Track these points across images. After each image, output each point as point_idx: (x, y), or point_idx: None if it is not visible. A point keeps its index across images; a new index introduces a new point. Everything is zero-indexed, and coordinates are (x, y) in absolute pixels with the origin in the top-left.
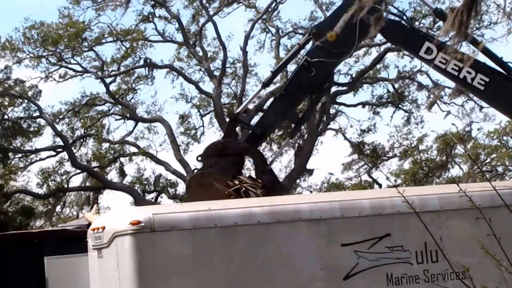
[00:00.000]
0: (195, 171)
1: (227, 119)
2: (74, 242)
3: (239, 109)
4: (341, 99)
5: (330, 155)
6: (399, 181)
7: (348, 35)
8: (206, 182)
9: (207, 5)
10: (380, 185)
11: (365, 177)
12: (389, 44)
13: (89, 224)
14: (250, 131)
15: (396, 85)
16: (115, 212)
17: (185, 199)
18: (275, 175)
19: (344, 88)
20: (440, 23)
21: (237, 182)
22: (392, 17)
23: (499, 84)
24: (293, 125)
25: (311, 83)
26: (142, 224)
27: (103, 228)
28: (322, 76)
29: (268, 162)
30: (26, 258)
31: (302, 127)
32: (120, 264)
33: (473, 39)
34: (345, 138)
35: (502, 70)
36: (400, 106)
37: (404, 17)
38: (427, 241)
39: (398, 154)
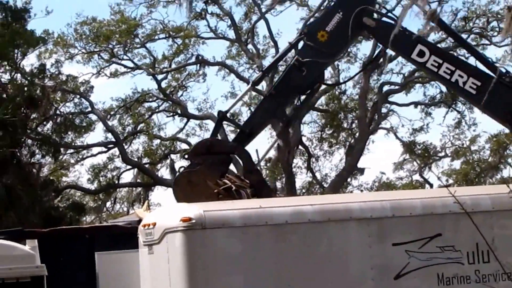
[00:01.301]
0: (182, 169)
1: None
2: (125, 238)
3: (228, 108)
4: (393, 98)
5: (381, 154)
6: (450, 181)
7: (339, 35)
8: (194, 179)
9: (259, 2)
10: (431, 185)
11: (416, 176)
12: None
13: (139, 221)
14: (238, 130)
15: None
16: (166, 209)
17: (174, 196)
18: (261, 175)
19: (397, 87)
20: (493, 23)
21: (226, 181)
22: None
23: (491, 88)
24: (282, 125)
25: (302, 83)
26: (193, 221)
27: (154, 224)
28: (313, 76)
29: (256, 162)
30: (77, 253)
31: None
32: (171, 261)
33: (467, 43)
34: (397, 137)
35: (494, 74)
36: (452, 106)
37: (395, 18)
38: (478, 242)
39: (449, 154)
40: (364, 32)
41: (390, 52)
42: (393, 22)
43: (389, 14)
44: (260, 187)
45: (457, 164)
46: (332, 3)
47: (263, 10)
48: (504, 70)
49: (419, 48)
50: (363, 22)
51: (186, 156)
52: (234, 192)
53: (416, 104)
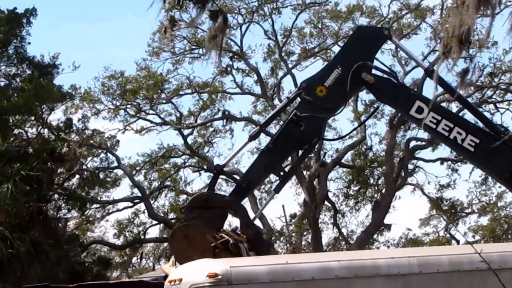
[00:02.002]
0: (176, 223)
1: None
2: None
3: (224, 162)
4: (420, 154)
5: (408, 210)
6: (477, 237)
7: (338, 90)
8: (191, 233)
9: (286, 58)
10: (458, 241)
11: (443, 232)
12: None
13: (166, 276)
14: (235, 185)
15: None
16: (192, 264)
17: (170, 250)
18: (258, 229)
19: (423, 143)
20: None
21: (223, 235)
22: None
23: (489, 146)
24: (279, 180)
25: (300, 138)
26: (220, 277)
27: (180, 280)
28: (311, 131)
29: (252, 217)
30: None
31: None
32: None
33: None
34: (423, 193)
35: (492, 132)
36: None
37: (394, 74)
38: None
39: (476, 211)
40: (362, 87)
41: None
42: (392, 78)
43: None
44: (256, 241)
45: (484, 220)
46: (332, 59)
47: (290, 65)
48: (503, 129)
49: (417, 104)
50: (362, 78)
51: (182, 211)
52: (232, 246)
53: (442, 160)
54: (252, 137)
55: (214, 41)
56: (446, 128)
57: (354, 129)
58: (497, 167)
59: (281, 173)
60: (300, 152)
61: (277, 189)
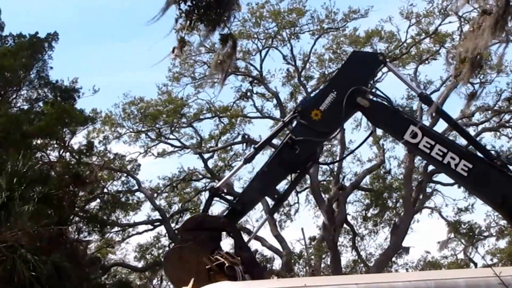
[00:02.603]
0: (172, 244)
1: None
2: None
3: (219, 184)
4: (438, 177)
5: (426, 233)
6: (495, 260)
7: (333, 114)
8: (185, 255)
9: (304, 82)
10: (475, 264)
11: (461, 255)
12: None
13: None
14: (230, 207)
15: None
16: (211, 287)
17: (164, 272)
18: (252, 252)
19: None
20: None
21: (218, 257)
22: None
23: (482, 171)
24: (273, 203)
25: (294, 161)
26: None
27: None
28: (306, 154)
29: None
30: None
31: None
32: None
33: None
34: (442, 216)
35: (485, 157)
36: None
37: (387, 99)
38: None
39: (494, 234)
40: (357, 111)
41: None
42: (386, 103)
43: (382, 94)
44: (251, 264)
45: (502, 243)
46: (327, 83)
47: (309, 90)
48: (495, 154)
49: (411, 129)
50: (357, 102)
51: (176, 232)
52: (227, 269)
53: None
54: (247, 160)
55: (221, 66)
56: (440, 153)
57: (348, 154)
58: (490, 192)
59: (276, 196)
60: (295, 175)
61: (272, 212)
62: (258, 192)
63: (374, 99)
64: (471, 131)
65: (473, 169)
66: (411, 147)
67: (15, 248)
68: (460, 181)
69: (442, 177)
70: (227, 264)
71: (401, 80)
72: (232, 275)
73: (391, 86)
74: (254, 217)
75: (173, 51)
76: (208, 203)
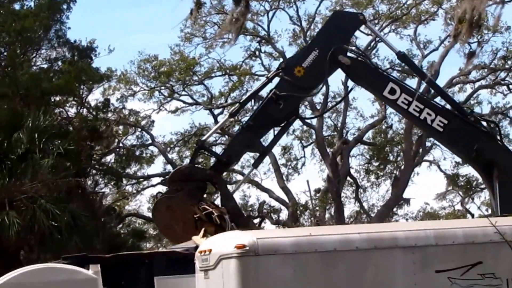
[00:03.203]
0: (159, 194)
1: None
2: (183, 263)
3: (205, 137)
4: None
5: (426, 185)
6: (490, 211)
7: (315, 71)
8: (173, 205)
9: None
10: (472, 215)
11: (458, 207)
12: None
13: (196, 247)
14: (216, 159)
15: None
16: (221, 236)
17: (153, 220)
18: (236, 202)
19: None
20: None
21: (206, 207)
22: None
23: (456, 126)
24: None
25: (278, 115)
26: (247, 248)
27: (210, 251)
28: (289, 109)
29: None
30: (137, 277)
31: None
32: (225, 285)
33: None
34: (440, 170)
35: (459, 113)
36: None
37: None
38: None
39: None
40: (338, 69)
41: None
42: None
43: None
44: (236, 213)
45: None
46: (310, 42)
47: None
48: (469, 111)
49: (390, 86)
50: (338, 60)
51: (164, 182)
52: (216, 218)
53: None
54: (232, 114)
55: (235, 24)
56: (417, 109)
57: (329, 109)
58: (464, 146)
59: (260, 149)
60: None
61: (256, 164)
62: (243, 144)
63: (355, 57)
64: (468, 88)
65: (448, 125)
66: (389, 103)
67: (35, 199)
68: (436, 136)
69: None
70: (216, 214)
71: (381, 39)
72: (221, 224)
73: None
74: (262, 170)
75: (191, 13)
76: (195, 155)
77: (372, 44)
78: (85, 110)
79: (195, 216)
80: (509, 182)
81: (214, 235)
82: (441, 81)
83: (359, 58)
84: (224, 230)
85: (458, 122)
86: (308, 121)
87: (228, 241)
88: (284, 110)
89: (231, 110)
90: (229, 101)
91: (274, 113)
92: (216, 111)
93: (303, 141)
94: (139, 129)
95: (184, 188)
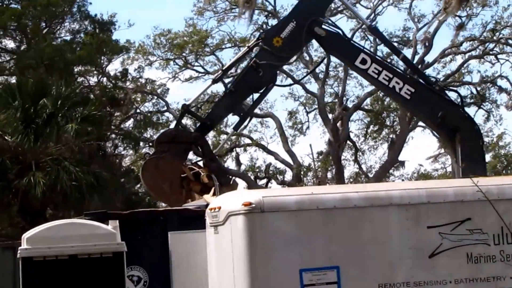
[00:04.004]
0: (146, 155)
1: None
2: (195, 220)
3: (190, 101)
4: None
5: (420, 148)
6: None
7: (292, 41)
8: (161, 165)
9: None
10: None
11: (450, 168)
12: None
13: (207, 205)
14: (200, 122)
15: (479, 88)
16: (230, 195)
17: (142, 180)
18: (220, 163)
19: None
20: None
21: (193, 167)
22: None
23: (423, 94)
24: (239, 118)
25: (258, 82)
26: (253, 205)
27: (219, 208)
28: (268, 77)
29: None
30: (152, 233)
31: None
32: (234, 240)
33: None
34: (433, 133)
35: (425, 82)
36: (481, 106)
37: (341, 30)
38: (503, 225)
39: None
40: (313, 39)
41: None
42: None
43: (336, 24)
44: (219, 173)
45: (486, 157)
46: (288, 13)
47: None
48: (434, 80)
49: (362, 56)
50: (314, 32)
51: (151, 144)
52: (205, 178)
53: None
54: (215, 80)
55: (249, 4)
56: (386, 78)
57: (307, 74)
58: (430, 112)
59: (241, 114)
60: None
61: (236, 127)
62: (226, 109)
63: (329, 28)
64: (459, 58)
65: (415, 93)
66: (361, 72)
67: (59, 160)
68: (404, 103)
69: None
70: (204, 173)
71: (352, 12)
72: (209, 183)
73: (391, 19)
74: (268, 134)
75: None
76: (180, 118)
77: (371, 16)
78: (105, 79)
79: (182, 175)
80: (470, 146)
81: (201, 194)
82: (434, 53)
83: (333, 30)
84: (209, 189)
85: (424, 91)
86: (311, 89)
87: (236, 199)
88: (263, 77)
89: (214, 77)
90: (239, 71)
91: (254, 80)
92: (227, 80)
93: (307, 107)
94: (155, 97)
95: (171, 149)
